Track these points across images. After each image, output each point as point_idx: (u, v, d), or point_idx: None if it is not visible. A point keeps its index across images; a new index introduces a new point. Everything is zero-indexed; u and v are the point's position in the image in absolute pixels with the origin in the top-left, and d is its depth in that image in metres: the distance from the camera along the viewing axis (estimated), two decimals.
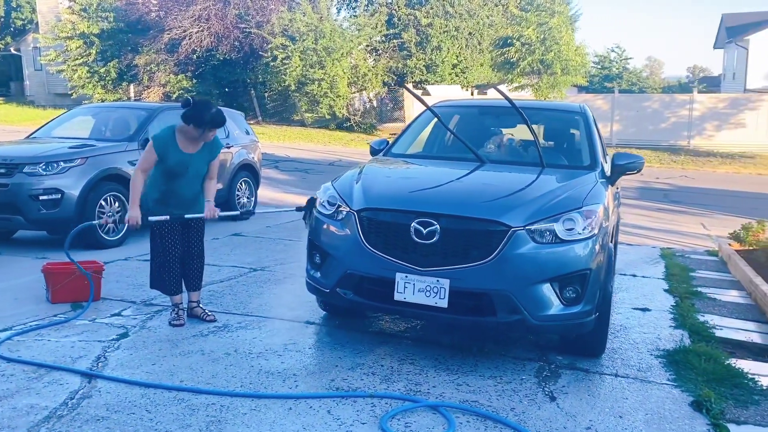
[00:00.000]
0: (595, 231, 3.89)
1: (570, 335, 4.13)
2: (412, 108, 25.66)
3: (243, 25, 25.55)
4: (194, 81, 26.31)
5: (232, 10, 25.40)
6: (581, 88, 35.62)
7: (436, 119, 5.42)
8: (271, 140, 22.49)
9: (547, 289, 3.76)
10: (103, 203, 7.08)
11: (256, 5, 25.90)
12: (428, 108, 5.27)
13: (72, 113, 8.93)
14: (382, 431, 3.15)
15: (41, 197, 6.69)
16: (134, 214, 4.33)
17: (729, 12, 48.23)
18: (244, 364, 3.92)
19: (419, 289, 3.80)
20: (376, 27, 27.07)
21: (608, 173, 4.85)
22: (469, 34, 28.79)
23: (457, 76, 28.94)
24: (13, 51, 37.69)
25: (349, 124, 26.83)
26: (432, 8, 27.95)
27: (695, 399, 3.63)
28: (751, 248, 7.82)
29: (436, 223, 3.81)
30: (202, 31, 24.93)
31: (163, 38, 25.00)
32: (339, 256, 4.09)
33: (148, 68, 25.88)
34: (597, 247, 3.88)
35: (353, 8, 30.29)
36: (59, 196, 6.75)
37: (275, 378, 3.73)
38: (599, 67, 52.53)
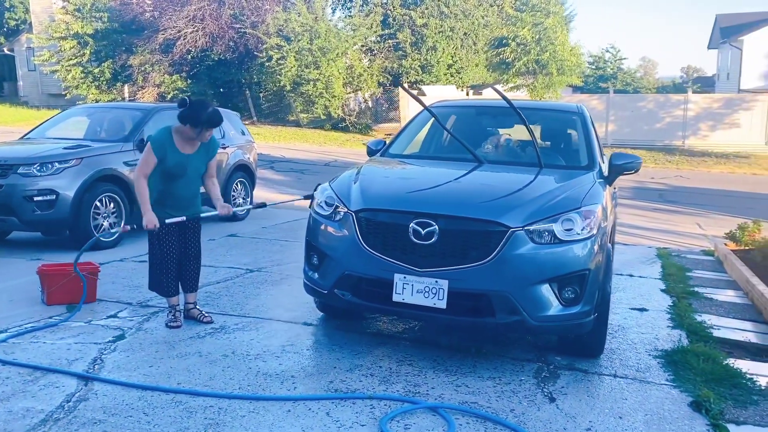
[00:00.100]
0: (594, 231, 3.88)
1: (569, 336, 4.12)
2: (407, 108, 25.67)
3: (238, 26, 25.51)
4: (189, 81, 26.25)
5: (226, 11, 25.35)
6: (576, 89, 35.67)
7: (433, 119, 5.41)
8: (267, 141, 22.45)
9: (546, 290, 3.76)
10: (98, 204, 7.04)
11: (251, 5, 25.85)
12: (426, 108, 5.25)
13: (66, 114, 8.89)
14: None
15: (36, 198, 6.64)
16: (151, 218, 4.32)
17: (723, 12, 48.43)
18: (241, 365, 3.89)
19: (418, 290, 3.79)
20: (372, 27, 27.07)
21: (606, 173, 4.85)
22: (465, 34, 28.82)
23: (452, 76, 28.97)
24: (6, 51, 37.49)
25: (344, 124, 26.82)
26: (427, 8, 27.97)
27: (694, 399, 3.63)
28: (747, 248, 7.84)
29: (434, 223, 3.79)
30: (197, 31, 24.87)
31: (157, 38, 24.93)
32: (337, 257, 4.07)
33: (143, 69, 25.81)
34: (596, 247, 3.87)
35: (348, 8, 30.29)
36: (54, 197, 6.71)
37: (273, 380, 3.71)
38: (594, 67, 52.69)
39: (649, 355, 4.37)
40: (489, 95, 22.00)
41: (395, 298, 3.83)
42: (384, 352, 4.22)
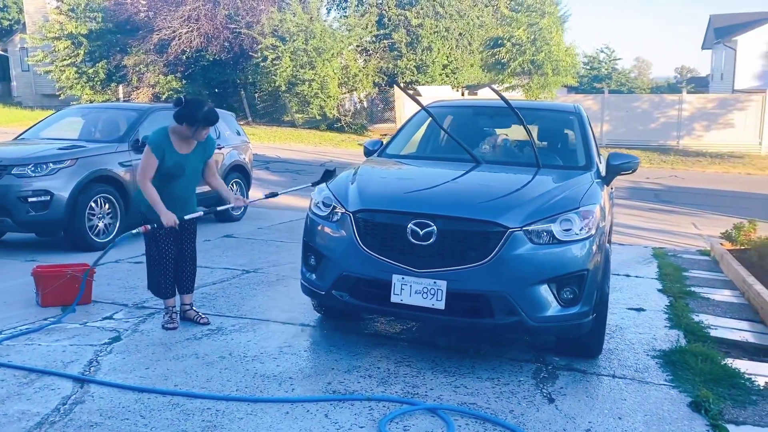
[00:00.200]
0: (592, 231, 3.87)
1: (567, 336, 4.11)
2: (403, 108, 25.63)
3: (233, 26, 25.44)
4: (184, 82, 26.15)
5: (221, 11, 25.28)
6: (571, 89, 35.73)
7: (430, 119, 5.39)
8: (262, 141, 22.39)
9: (545, 290, 3.75)
10: (93, 205, 6.99)
11: (245, 6, 25.78)
12: (423, 108, 5.24)
13: (61, 114, 8.83)
14: None
15: (30, 199, 6.60)
16: (169, 217, 4.30)
17: (717, 13, 48.57)
18: (239, 367, 3.87)
19: (416, 290, 3.77)
20: (367, 27, 27.02)
21: (603, 173, 4.84)
22: (460, 34, 28.82)
23: (447, 76, 28.96)
24: None
25: (339, 124, 26.76)
26: (422, 9, 27.95)
27: (693, 400, 3.63)
28: (743, 248, 7.86)
29: (432, 224, 3.78)
30: (192, 31, 24.78)
31: (152, 39, 24.83)
32: (334, 257, 4.05)
33: (137, 69, 25.70)
34: (594, 247, 3.87)
35: (343, 8, 30.24)
36: (48, 197, 6.66)
37: (271, 381, 3.68)
38: (588, 67, 52.84)
39: (648, 355, 4.37)
40: (485, 95, 22.00)
41: (393, 299, 3.82)
42: (382, 353, 4.20)
